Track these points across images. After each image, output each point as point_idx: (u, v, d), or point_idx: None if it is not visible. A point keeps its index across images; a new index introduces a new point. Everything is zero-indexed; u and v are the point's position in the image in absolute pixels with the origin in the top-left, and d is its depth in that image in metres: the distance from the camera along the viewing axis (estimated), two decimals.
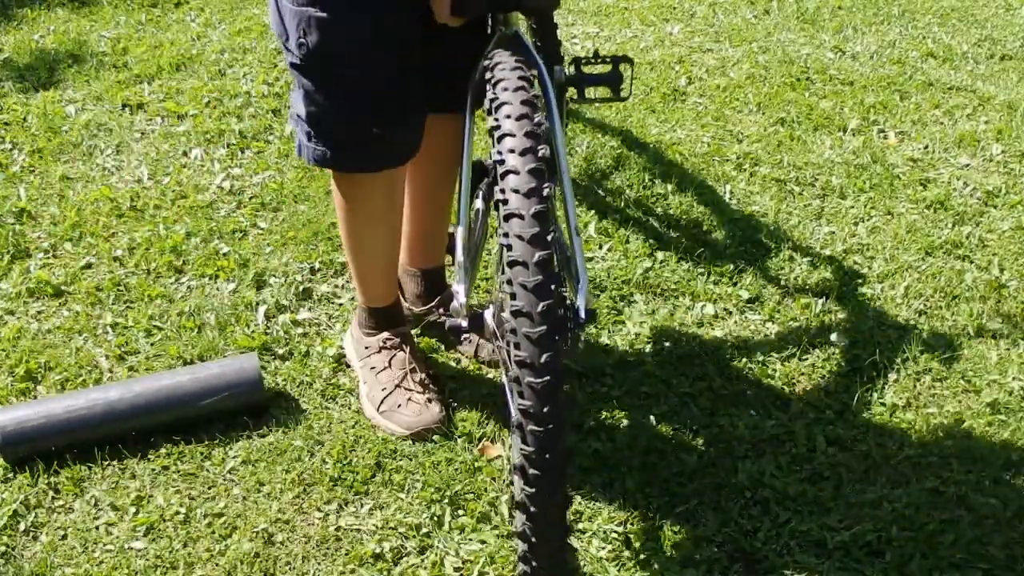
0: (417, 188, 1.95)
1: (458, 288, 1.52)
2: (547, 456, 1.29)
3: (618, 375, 2.00)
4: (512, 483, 1.66)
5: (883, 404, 1.95)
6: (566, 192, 1.50)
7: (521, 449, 1.31)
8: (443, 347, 2.08)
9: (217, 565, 1.63)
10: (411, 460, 1.82)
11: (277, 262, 2.32)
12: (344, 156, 1.68)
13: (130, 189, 2.61)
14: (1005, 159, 2.77)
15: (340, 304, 2.21)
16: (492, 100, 1.40)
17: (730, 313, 2.19)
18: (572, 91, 1.81)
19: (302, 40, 1.57)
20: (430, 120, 1.84)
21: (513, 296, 1.28)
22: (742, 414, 1.92)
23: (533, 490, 1.32)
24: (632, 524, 1.69)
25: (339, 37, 1.55)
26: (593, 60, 1.81)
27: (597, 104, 2.04)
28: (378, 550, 1.65)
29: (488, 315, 1.57)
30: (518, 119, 1.34)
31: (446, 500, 1.73)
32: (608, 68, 1.81)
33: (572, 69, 1.79)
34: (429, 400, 1.88)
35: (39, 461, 1.80)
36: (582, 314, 1.38)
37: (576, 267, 1.44)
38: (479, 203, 1.64)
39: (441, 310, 2.07)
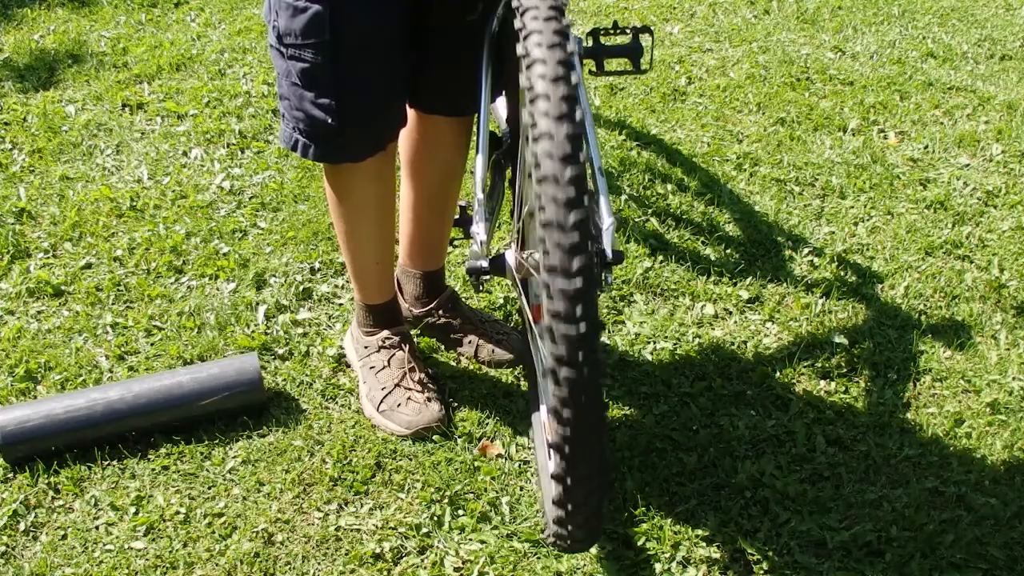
0: (418, 190, 1.95)
1: (477, 229, 1.50)
2: (582, 398, 1.25)
3: (618, 375, 2.00)
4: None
5: (883, 404, 1.95)
6: (588, 133, 1.47)
7: (555, 394, 1.28)
8: (443, 347, 2.08)
9: (217, 565, 1.63)
10: (411, 460, 1.82)
11: (277, 262, 2.32)
12: (322, 147, 1.65)
13: (130, 189, 2.61)
14: (1005, 159, 2.77)
15: (340, 304, 2.21)
16: (523, 56, 1.32)
17: (730, 313, 2.19)
18: (590, 63, 1.77)
19: (275, 22, 1.56)
20: (432, 123, 1.84)
21: (547, 253, 1.24)
22: (742, 414, 1.92)
23: (568, 431, 1.27)
24: (632, 524, 1.69)
25: (309, 21, 1.52)
26: (612, 31, 1.76)
27: (615, 77, 1.97)
28: (378, 550, 1.65)
29: (509, 256, 1.54)
30: (553, 81, 1.27)
31: (446, 500, 1.73)
32: (628, 39, 1.76)
33: (590, 41, 1.75)
34: (428, 399, 1.88)
35: (39, 461, 1.80)
36: (609, 255, 1.36)
37: (601, 208, 1.42)
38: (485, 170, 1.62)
39: (441, 312, 2.07)
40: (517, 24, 1.32)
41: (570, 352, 1.23)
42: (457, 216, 1.95)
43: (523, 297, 1.67)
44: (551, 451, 1.31)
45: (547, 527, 1.47)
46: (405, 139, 1.88)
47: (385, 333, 1.95)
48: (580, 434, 1.26)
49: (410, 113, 1.81)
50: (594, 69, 1.73)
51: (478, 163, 1.54)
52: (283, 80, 1.61)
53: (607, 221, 1.39)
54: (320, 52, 1.54)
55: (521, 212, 1.70)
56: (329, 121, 1.60)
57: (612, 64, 1.76)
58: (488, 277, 1.56)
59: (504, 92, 1.75)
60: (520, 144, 1.72)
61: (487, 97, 1.59)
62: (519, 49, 1.30)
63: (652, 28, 1.80)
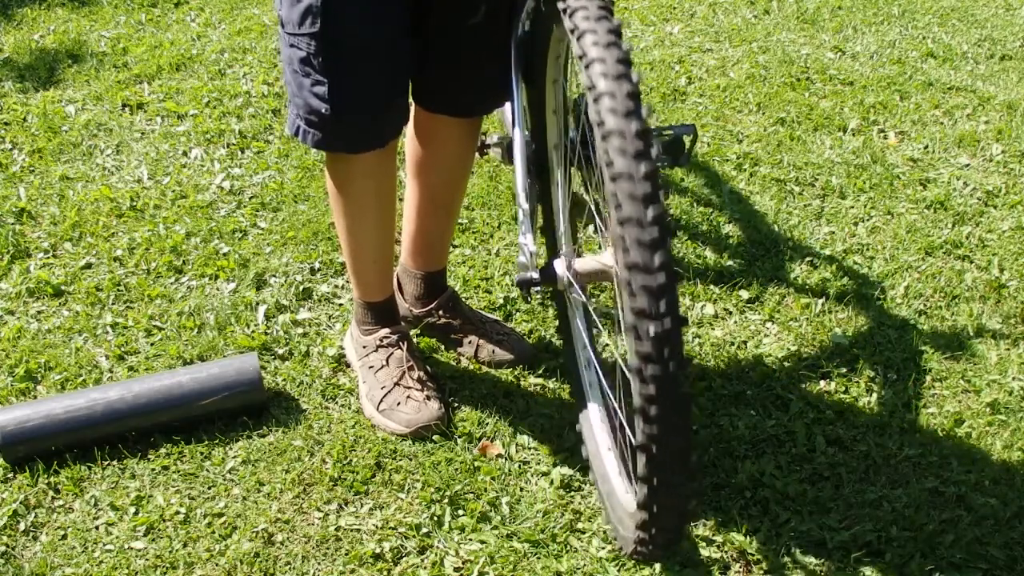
0: (422, 190, 1.95)
1: (524, 240, 1.50)
2: (668, 395, 1.26)
3: None
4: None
5: (883, 404, 1.95)
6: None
7: (641, 392, 1.27)
8: (443, 347, 2.08)
9: (217, 565, 1.63)
10: (411, 460, 1.82)
11: (277, 262, 2.32)
12: (320, 133, 1.67)
13: (130, 189, 2.61)
14: (1005, 159, 2.77)
15: (340, 304, 2.21)
16: (581, 56, 1.31)
17: (730, 313, 2.19)
18: None
19: (279, 10, 1.59)
20: (437, 122, 1.84)
21: (626, 251, 1.24)
22: (742, 414, 1.92)
23: (655, 429, 1.27)
24: None
25: (304, 11, 1.55)
26: (654, 132, 1.78)
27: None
28: (378, 550, 1.65)
29: (558, 265, 1.54)
30: (616, 78, 1.27)
31: (446, 500, 1.73)
32: (669, 136, 1.77)
33: None
34: (428, 397, 1.88)
35: (39, 461, 1.80)
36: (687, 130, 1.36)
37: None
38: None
39: (441, 312, 2.07)
40: (568, 25, 1.33)
41: (656, 349, 1.22)
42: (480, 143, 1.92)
43: (571, 306, 1.64)
44: (638, 452, 1.30)
45: (624, 538, 1.45)
46: (411, 138, 1.89)
47: (383, 332, 1.95)
48: (667, 432, 1.26)
49: (416, 112, 1.82)
50: None
51: (519, 170, 1.53)
52: (287, 67, 1.65)
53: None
54: (314, 41, 1.56)
55: (555, 220, 1.69)
56: (323, 109, 1.62)
57: None
58: (539, 288, 1.55)
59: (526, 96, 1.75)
60: (549, 150, 1.72)
61: (520, 101, 1.59)
62: (575, 49, 1.30)
63: (696, 127, 1.80)
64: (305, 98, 1.62)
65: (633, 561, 1.63)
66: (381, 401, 1.88)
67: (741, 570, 1.64)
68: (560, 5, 1.36)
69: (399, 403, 1.87)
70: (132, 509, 1.73)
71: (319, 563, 1.64)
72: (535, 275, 1.51)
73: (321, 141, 1.68)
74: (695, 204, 2.55)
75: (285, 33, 1.60)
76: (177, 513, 1.72)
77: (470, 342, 2.05)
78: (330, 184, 1.79)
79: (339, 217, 1.83)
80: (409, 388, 1.89)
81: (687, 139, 1.76)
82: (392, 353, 1.93)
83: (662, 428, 1.25)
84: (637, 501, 1.36)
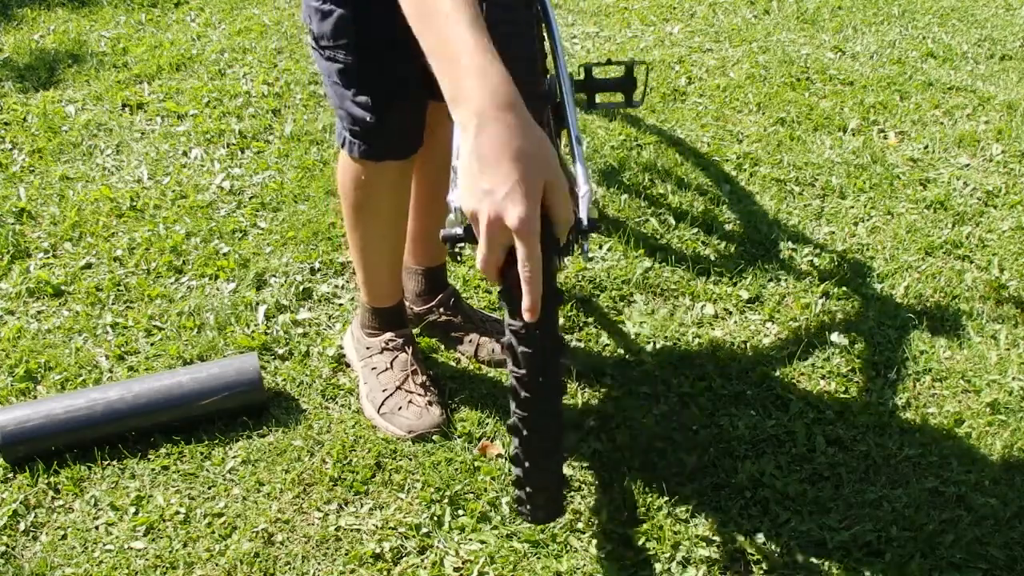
0: (422, 183, 1.95)
1: (451, 197, 1.51)
2: (535, 336, 1.26)
3: (618, 375, 2.00)
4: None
5: (883, 404, 1.95)
6: (566, 95, 1.47)
7: (508, 327, 1.27)
8: (443, 347, 2.08)
9: (217, 565, 1.63)
10: (411, 460, 1.82)
11: (277, 262, 2.32)
12: (367, 143, 1.68)
13: (130, 189, 2.61)
14: (1005, 159, 2.77)
15: (340, 304, 2.21)
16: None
17: (730, 313, 2.19)
18: (581, 97, 1.76)
19: (310, 25, 1.61)
20: (435, 112, 1.84)
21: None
22: (742, 414, 1.92)
23: (523, 373, 1.27)
24: (632, 524, 1.69)
25: (335, 24, 1.56)
26: (605, 64, 1.75)
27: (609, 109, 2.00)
28: (378, 550, 1.65)
29: None
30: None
31: (446, 500, 1.73)
32: (621, 72, 1.74)
33: (582, 74, 1.74)
34: (430, 403, 1.88)
35: (39, 461, 1.80)
36: (584, 223, 1.36)
37: (577, 175, 1.41)
38: None
39: (442, 310, 2.07)
40: None
41: (531, 373, 1.24)
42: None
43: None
44: (510, 397, 1.33)
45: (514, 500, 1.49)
46: None
47: (389, 335, 1.95)
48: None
49: None
50: (585, 104, 1.72)
51: (456, 131, 1.54)
52: (326, 80, 1.66)
53: (583, 189, 1.38)
54: (350, 53, 1.58)
55: None
56: (368, 118, 1.63)
57: (605, 97, 1.74)
58: (463, 245, 1.56)
59: None
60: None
61: None
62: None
63: (647, 62, 1.79)
64: (348, 109, 1.63)
65: (633, 562, 1.63)
66: (382, 404, 1.88)
67: (741, 570, 1.64)
68: None
69: (400, 407, 1.87)
70: (132, 509, 1.73)
71: (319, 563, 1.64)
72: (459, 231, 1.51)
73: (367, 151, 1.69)
74: (695, 203, 2.55)
75: (320, 47, 1.61)
76: (177, 513, 1.72)
77: (470, 340, 2.05)
78: (350, 196, 1.78)
79: (355, 228, 1.83)
80: (411, 393, 1.89)
81: (640, 72, 1.73)
82: (397, 356, 1.93)
83: (530, 371, 1.25)
84: (509, 455, 1.36)
